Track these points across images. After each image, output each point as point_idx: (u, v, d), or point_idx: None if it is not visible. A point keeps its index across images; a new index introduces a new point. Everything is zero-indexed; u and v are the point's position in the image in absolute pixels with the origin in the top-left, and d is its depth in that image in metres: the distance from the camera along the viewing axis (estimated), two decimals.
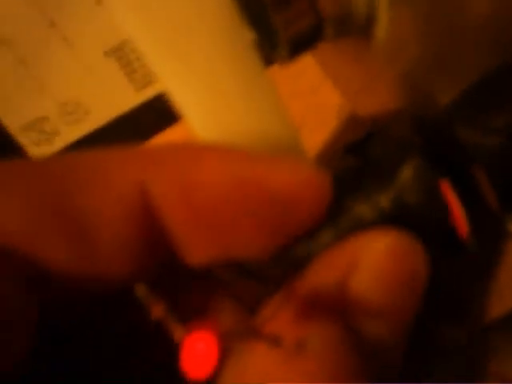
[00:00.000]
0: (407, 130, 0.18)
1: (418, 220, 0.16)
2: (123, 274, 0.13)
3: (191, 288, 0.14)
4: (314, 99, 0.27)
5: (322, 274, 0.14)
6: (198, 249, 0.13)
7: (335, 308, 0.13)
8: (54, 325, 0.14)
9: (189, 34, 0.17)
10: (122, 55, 0.27)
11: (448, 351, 0.20)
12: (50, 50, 0.26)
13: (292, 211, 0.14)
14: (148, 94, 0.29)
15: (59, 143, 0.28)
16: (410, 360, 0.17)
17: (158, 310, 0.11)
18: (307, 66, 0.27)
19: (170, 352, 0.12)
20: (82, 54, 0.27)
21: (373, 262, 0.14)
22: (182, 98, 0.18)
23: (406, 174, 0.17)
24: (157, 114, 0.28)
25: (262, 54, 0.18)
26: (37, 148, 0.28)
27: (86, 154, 0.13)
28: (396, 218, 0.16)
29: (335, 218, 0.16)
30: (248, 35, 0.21)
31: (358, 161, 0.18)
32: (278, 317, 0.13)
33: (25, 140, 0.28)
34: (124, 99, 0.28)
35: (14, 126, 0.27)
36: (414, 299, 0.14)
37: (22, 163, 0.13)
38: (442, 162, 0.16)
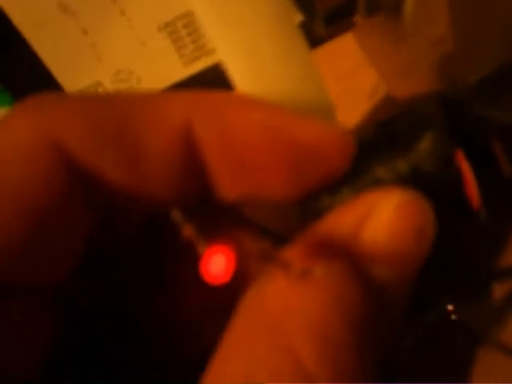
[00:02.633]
0: (432, 105, 0.19)
1: (432, 187, 0.18)
2: (165, 195, 0.15)
3: (219, 220, 0.16)
4: (352, 80, 0.29)
5: (338, 219, 0.16)
6: (229, 185, 0.15)
7: (346, 250, 0.15)
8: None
9: (244, 9, 0.19)
10: (174, 30, 0.29)
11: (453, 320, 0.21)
12: (109, 22, 0.29)
13: (316, 162, 0.15)
14: (195, 68, 0.31)
15: None
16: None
17: (188, 230, 0.13)
18: (348, 47, 0.28)
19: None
20: (137, 28, 0.29)
21: (386, 213, 0.15)
22: (233, 65, 0.20)
23: (425, 143, 0.18)
24: (202, 86, 0.30)
25: (307, 35, 0.19)
26: None
27: (142, 92, 0.15)
28: (412, 184, 0.18)
29: (355, 177, 0.17)
30: (296, 17, 0.23)
31: (385, 132, 0.19)
32: (291, 249, 0.15)
33: None
34: (173, 72, 0.30)
35: (72, 90, 0.30)
36: (419, 253, 0.16)
37: (87, 95, 0.15)
38: (460, 134, 0.18)
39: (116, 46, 0.29)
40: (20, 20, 0.28)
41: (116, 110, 0.14)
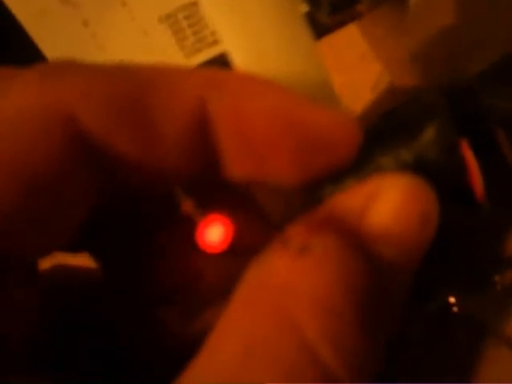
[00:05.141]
0: (436, 95, 0.19)
1: (436, 176, 0.18)
2: (174, 170, 0.15)
3: (222, 198, 0.16)
4: (356, 71, 0.28)
5: (344, 200, 0.16)
6: (237, 164, 0.16)
7: (349, 229, 0.15)
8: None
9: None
10: (175, 22, 0.29)
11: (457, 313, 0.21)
12: (110, 14, 0.29)
13: (324, 148, 0.15)
14: (196, 60, 0.30)
15: None
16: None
17: (187, 205, 0.14)
18: (352, 38, 0.28)
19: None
20: (138, 19, 0.29)
21: (392, 197, 0.15)
22: (237, 55, 0.20)
23: (429, 132, 0.18)
24: None
25: (312, 26, 0.19)
26: None
27: (157, 66, 0.15)
28: (416, 172, 0.18)
29: (359, 166, 0.17)
30: (301, 8, 0.23)
31: (388, 122, 0.19)
32: (294, 226, 0.15)
33: None
34: (174, 64, 0.30)
35: None
36: (423, 238, 0.16)
37: (106, 65, 0.15)
38: (464, 123, 0.18)
39: (117, 38, 0.29)
40: (20, 11, 0.27)
41: (134, 84, 0.14)
